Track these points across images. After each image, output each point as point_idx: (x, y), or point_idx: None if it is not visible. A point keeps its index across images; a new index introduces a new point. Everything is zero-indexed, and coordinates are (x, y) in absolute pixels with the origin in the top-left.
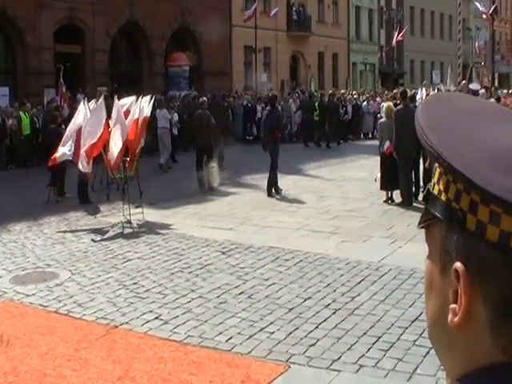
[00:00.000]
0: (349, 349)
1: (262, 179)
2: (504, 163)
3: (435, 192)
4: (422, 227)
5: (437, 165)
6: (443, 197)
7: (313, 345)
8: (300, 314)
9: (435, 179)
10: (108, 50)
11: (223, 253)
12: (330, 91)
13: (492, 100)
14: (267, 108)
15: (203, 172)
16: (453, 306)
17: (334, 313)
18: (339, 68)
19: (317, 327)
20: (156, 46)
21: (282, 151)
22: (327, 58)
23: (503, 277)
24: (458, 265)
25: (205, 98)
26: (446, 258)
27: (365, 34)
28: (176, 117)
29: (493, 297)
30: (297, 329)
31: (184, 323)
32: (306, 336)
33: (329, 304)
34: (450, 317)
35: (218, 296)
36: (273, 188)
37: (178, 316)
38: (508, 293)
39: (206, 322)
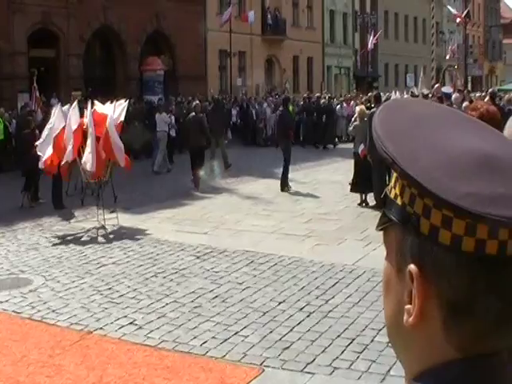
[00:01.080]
0: (323, 351)
1: (237, 183)
2: (457, 168)
3: (392, 196)
4: (380, 230)
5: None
6: (399, 201)
7: (287, 348)
8: (274, 317)
9: (392, 183)
10: (82, 55)
11: (198, 257)
12: (305, 94)
13: (466, 103)
14: (280, 109)
15: (198, 172)
16: (408, 306)
17: (309, 316)
18: (314, 72)
19: (291, 330)
20: (130, 50)
21: (257, 155)
22: (302, 62)
23: (455, 278)
24: (411, 267)
25: (198, 102)
26: (402, 260)
27: (339, 38)
28: (173, 119)
29: (446, 297)
30: (271, 332)
31: (158, 328)
32: (280, 339)
33: (303, 307)
34: (405, 317)
35: (193, 300)
36: (285, 183)
37: (152, 321)
38: (460, 293)
39: (180, 326)
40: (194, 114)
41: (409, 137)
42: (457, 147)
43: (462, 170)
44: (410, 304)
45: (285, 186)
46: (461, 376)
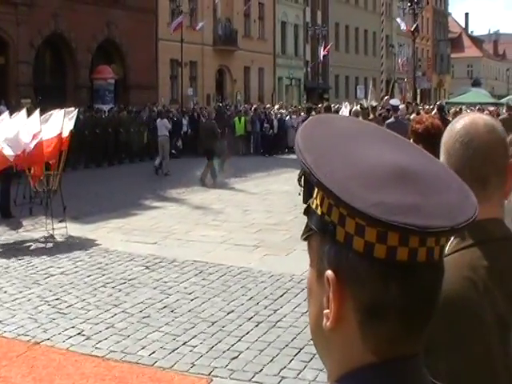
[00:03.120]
0: (271, 361)
1: (187, 193)
2: (371, 179)
3: (313, 206)
4: (304, 239)
5: None
6: (319, 211)
7: (235, 358)
8: (223, 327)
9: (314, 195)
10: (32, 62)
11: (147, 267)
12: (255, 106)
13: (413, 115)
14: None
15: (207, 171)
16: (326, 311)
17: (257, 325)
18: (265, 82)
19: (239, 340)
20: (81, 58)
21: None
22: (253, 73)
23: (369, 284)
24: (328, 273)
25: (211, 109)
26: (321, 266)
27: (290, 49)
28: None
29: (361, 302)
30: (219, 342)
31: (106, 338)
32: (228, 349)
33: (251, 317)
34: (324, 321)
35: (141, 311)
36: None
37: (100, 331)
38: (374, 298)
39: (128, 336)
40: (203, 119)
41: (327, 150)
42: (372, 160)
43: (376, 181)
44: (329, 309)
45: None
46: (377, 379)
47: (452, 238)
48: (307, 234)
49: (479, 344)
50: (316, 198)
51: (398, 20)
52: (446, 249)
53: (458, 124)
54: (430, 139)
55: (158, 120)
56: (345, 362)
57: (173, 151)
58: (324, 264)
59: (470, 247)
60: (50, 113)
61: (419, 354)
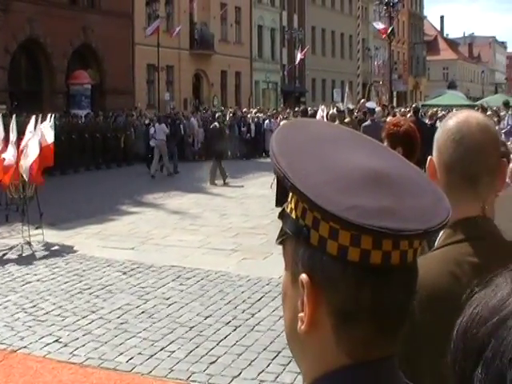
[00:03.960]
0: (249, 365)
1: (164, 198)
2: (345, 184)
3: (288, 210)
4: (279, 243)
5: None
6: (293, 214)
7: (213, 362)
8: (201, 332)
9: (289, 199)
10: (7, 67)
11: (124, 273)
12: (232, 110)
13: (389, 118)
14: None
15: (215, 170)
16: (301, 314)
17: (235, 330)
18: (242, 86)
19: (217, 344)
20: (57, 63)
21: (185, 169)
22: (230, 77)
23: (343, 287)
24: (302, 276)
25: (220, 113)
26: (295, 270)
27: (267, 53)
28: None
29: (335, 305)
30: (197, 347)
31: (84, 345)
32: (206, 354)
33: (229, 321)
34: (298, 325)
35: (119, 316)
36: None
37: (77, 338)
38: (348, 301)
39: (106, 343)
40: (216, 124)
41: (302, 154)
42: (347, 164)
43: (350, 185)
44: (303, 312)
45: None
46: (352, 381)
47: (441, 233)
48: (282, 238)
49: None
50: (290, 201)
51: (374, 23)
52: (436, 243)
53: (451, 121)
54: (407, 142)
55: (157, 125)
56: (320, 365)
57: (150, 155)
58: (298, 267)
59: (457, 243)
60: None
61: (394, 355)
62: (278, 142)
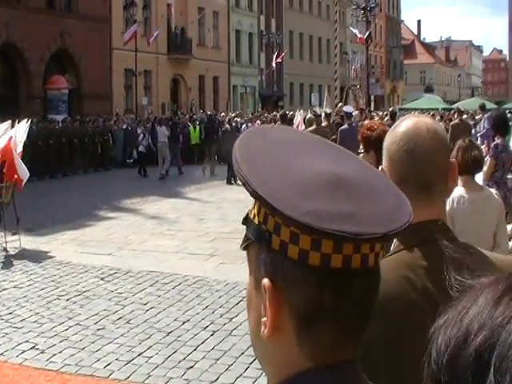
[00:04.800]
0: (227, 369)
1: (142, 203)
2: (306, 188)
3: (251, 216)
4: (243, 249)
5: None
6: (256, 220)
7: (191, 367)
8: (178, 337)
9: (252, 205)
10: None
11: (102, 278)
12: (210, 113)
13: (366, 121)
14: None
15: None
16: (264, 319)
17: (213, 334)
18: (220, 91)
19: (195, 349)
20: (34, 68)
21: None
22: (208, 81)
23: (305, 291)
24: (264, 281)
25: (229, 117)
26: (258, 275)
27: (245, 58)
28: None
29: (297, 309)
30: (175, 352)
31: (61, 352)
32: (184, 359)
33: (207, 326)
34: (262, 329)
35: (96, 322)
36: None
37: (54, 345)
38: (310, 305)
39: (83, 349)
40: (228, 126)
41: (264, 160)
42: (308, 169)
43: (311, 190)
44: (266, 316)
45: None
46: None
47: (395, 240)
48: (246, 244)
49: (418, 343)
50: (254, 207)
51: (352, 29)
52: (391, 247)
53: (401, 128)
54: (381, 147)
55: (158, 127)
56: (283, 369)
57: (127, 160)
58: (261, 272)
59: (411, 248)
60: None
61: (357, 358)
62: (241, 148)
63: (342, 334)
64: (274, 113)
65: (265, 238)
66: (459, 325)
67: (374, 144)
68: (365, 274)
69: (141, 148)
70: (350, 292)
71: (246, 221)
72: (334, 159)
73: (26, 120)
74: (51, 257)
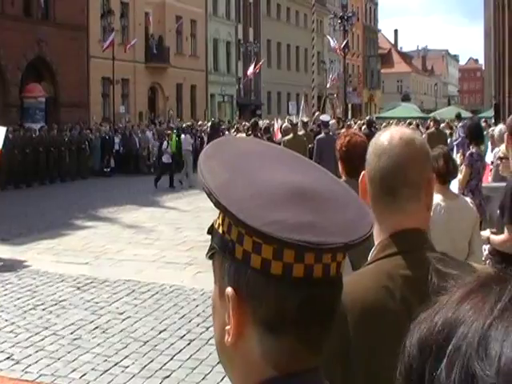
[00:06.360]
0: (203, 378)
1: (119, 212)
2: (269, 199)
3: (216, 226)
4: (208, 257)
5: None
6: (220, 230)
7: (167, 376)
8: (155, 346)
9: (218, 214)
10: None
11: (78, 288)
12: (188, 123)
13: (343, 130)
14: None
15: None
16: (228, 327)
17: (189, 343)
18: (197, 99)
19: (172, 359)
20: (11, 76)
21: (139, 183)
22: (185, 90)
23: (267, 300)
24: (228, 290)
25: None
26: (223, 284)
27: (223, 66)
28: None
29: (260, 318)
30: (152, 361)
31: (37, 362)
32: (160, 368)
33: (184, 335)
34: (226, 337)
35: (72, 332)
36: None
37: (30, 355)
38: (272, 314)
39: (59, 359)
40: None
41: (228, 171)
42: (272, 180)
43: (274, 200)
44: (230, 325)
45: None
46: None
47: (373, 248)
48: (211, 253)
49: (395, 351)
50: (218, 217)
51: (328, 37)
52: (369, 257)
53: (379, 136)
54: (355, 155)
55: (183, 136)
56: (246, 377)
57: (104, 169)
58: (225, 281)
59: (389, 256)
60: None
61: (319, 366)
62: (205, 159)
63: (304, 342)
64: (244, 123)
65: (228, 247)
66: (429, 323)
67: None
68: (326, 284)
69: (165, 158)
70: (311, 301)
71: (212, 230)
72: (298, 170)
73: (2, 128)
74: (27, 266)
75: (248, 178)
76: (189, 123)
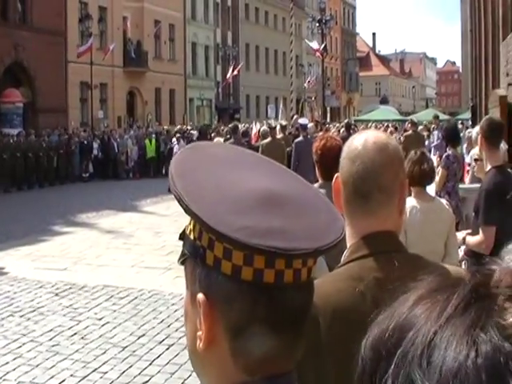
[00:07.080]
0: (182, 383)
1: (98, 217)
2: (238, 205)
3: (187, 232)
4: (180, 263)
5: None
6: (191, 235)
7: (146, 382)
8: (134, 351)
9: (188, 220)
10: None
11: (56, 294)
12: (166, 127)
13: (320, 133)
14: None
15: None
16: (199, 333)
17: (168, 348)
18: (176, 104)
19: (150, 364)
20: None
21: (118, 188)
22: (164, 94)
23: (238, 305)
24: (199, 295)
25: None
26: (194, 289)
27: (201, 70)
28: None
29: (231, 323)
30: (130, 367)
31: (15, 369)
32: (139, 374)
33: (163, 340)
34: (197, 343)
35: (51, 339)
36: None
37: (8, 362)
38: (243, 319)
39: (37, 366)
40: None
41: (199, 176)
42: (242, 186)
43: (243, 206)
44: (201, 330)
45: None
46: None
47: (345, 251)
48: (183, 259)
49: None
50: (190, 223)
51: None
52: (342, 259)
53: (352, 139)
54: (330, 159)
55: (176, 144)
56: (218, 382)
57: (83, 175)
58: (196, 287)
59: (361, 258)
60: None
61: (292, 370)
62: (176, 164)
63: (275, 347)
64: (222, 127)
65: (199, 253)
66: (382, 326)
67: (323, 157)
68: (298, 288)
69: None
70: (283, 306)
71: (183, 236)
72: (269, 175)
73: None
74: (5, 273)
75: (218, 183)
76: (178, 127)
